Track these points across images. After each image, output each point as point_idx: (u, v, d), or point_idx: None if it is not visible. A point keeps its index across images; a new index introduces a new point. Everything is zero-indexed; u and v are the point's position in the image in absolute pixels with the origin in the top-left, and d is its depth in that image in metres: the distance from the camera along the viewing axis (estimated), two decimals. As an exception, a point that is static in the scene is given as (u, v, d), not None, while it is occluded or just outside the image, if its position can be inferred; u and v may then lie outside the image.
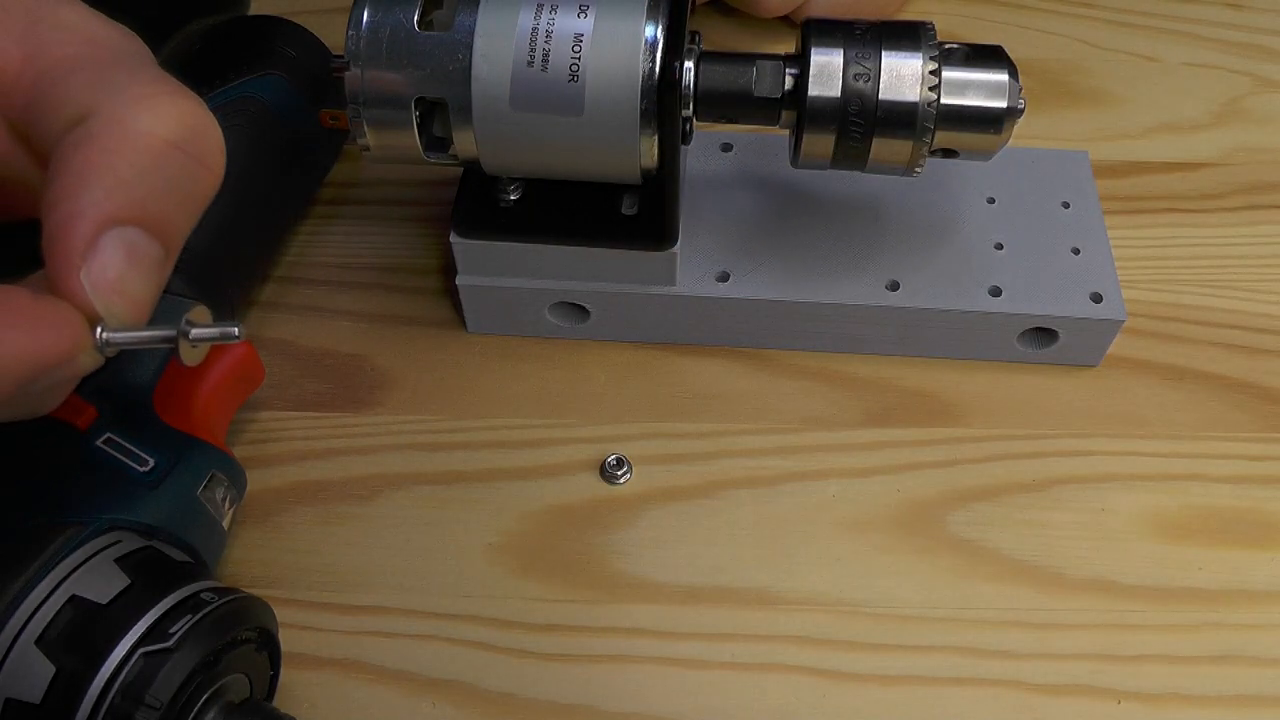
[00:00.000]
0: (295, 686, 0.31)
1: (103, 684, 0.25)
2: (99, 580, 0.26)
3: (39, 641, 0.25)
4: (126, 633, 0.25)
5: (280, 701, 0.30)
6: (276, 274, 0.39)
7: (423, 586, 0.33)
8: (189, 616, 0.26)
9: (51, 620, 0.25)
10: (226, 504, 0.31)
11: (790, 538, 0.34)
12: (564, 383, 0.37)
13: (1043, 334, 0.36)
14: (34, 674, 0.25)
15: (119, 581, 0.26)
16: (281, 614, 0.29)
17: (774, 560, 0.34)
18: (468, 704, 0.31)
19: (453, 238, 0.35)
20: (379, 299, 0.39)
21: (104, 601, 0.26)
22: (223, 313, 0.34)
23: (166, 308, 0.32)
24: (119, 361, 0.31)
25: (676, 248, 0.35)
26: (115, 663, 0.25)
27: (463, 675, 0.32)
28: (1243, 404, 0.37)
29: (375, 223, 0.41)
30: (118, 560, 0.27)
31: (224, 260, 0.35)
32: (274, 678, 0.30)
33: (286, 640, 0.30)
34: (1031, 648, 0.32)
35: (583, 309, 0.37)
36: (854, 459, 0.35)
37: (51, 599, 0.26)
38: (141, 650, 0.25)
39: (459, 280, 0.36)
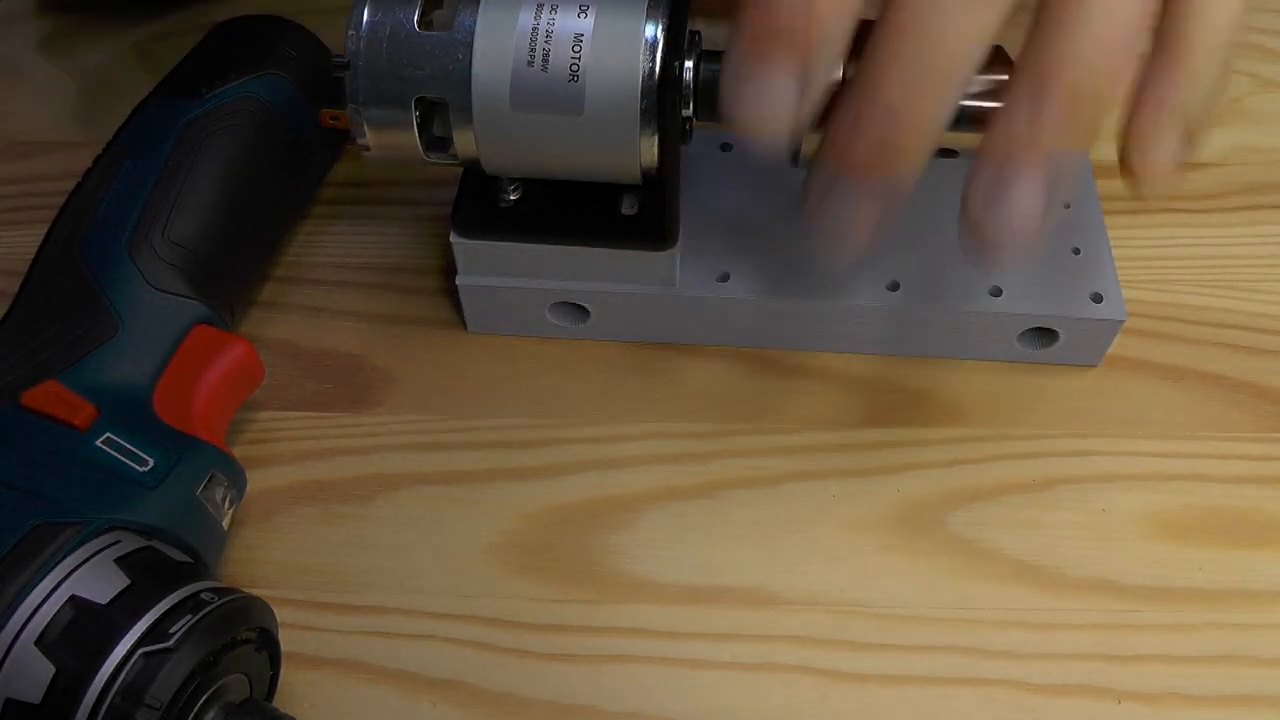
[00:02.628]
0: (295, 686, 0.31)
1: (102, 684, 0.25)
2: (99, 580, 0.26)
3: (39, 641, 0.25)
4: (126, 633, 0.25)
5: (280, 701, 0.30)
6: (276, 274, 0.39)
7: (423, 586, 0.33)
8: (189, 617, 0.26)
9: (51, 620, 0.25)
10: (226, 504, 0.31)
11: (790, 538, 0.34)
12: (564, 383, 0.37)
13: (1043, 334, 0.36)
14: (34, 674, 0.25)
15: (119, 581, 0.26)
16: (281, 614, 0.29)
17: (774, 560, 0.34)
18: (468, 704, 0.31)
19: (453, 238, 0.35)
20: (379, 299, 0.39)
21: (104, 601, 0.26)
22: (223, 313, 0.34)
23: (168, 308, 0.32)
24: (119, 361, 0.31)
25: (676, 248, 0.35)
26: (115, 663, 0.25)
27: (463, 675, 0.32)
28: (1243, 404, 0.37)
29: (375, 223, 0.41)
30: (118, 560, 0.27)
31: (224, 260, 0.35)
32: (274, 678, 0.30)
33: (286, 640, 0.30)
34: (1031, 648, 0.32)
35: (583, 309, 0.36)
36: (854, 459, 0.35)
37: (51, 599, 0.26)
38: (141, 650, 0.25)
39: (459, 280, 0.36)
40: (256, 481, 0.34)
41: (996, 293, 0.36)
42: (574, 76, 0.30)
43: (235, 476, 0.31)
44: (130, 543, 0.27)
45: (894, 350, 0.37)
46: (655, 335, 0.37)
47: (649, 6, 0.30)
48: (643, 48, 0.30)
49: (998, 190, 0.25)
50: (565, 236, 0.34)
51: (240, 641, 0.27)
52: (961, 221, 0.27)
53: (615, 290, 0.36)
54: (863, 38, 0.25)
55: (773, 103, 0.25)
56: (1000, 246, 0.26)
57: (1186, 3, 0.25)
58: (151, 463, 0.29)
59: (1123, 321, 0.35)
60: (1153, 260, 0.40)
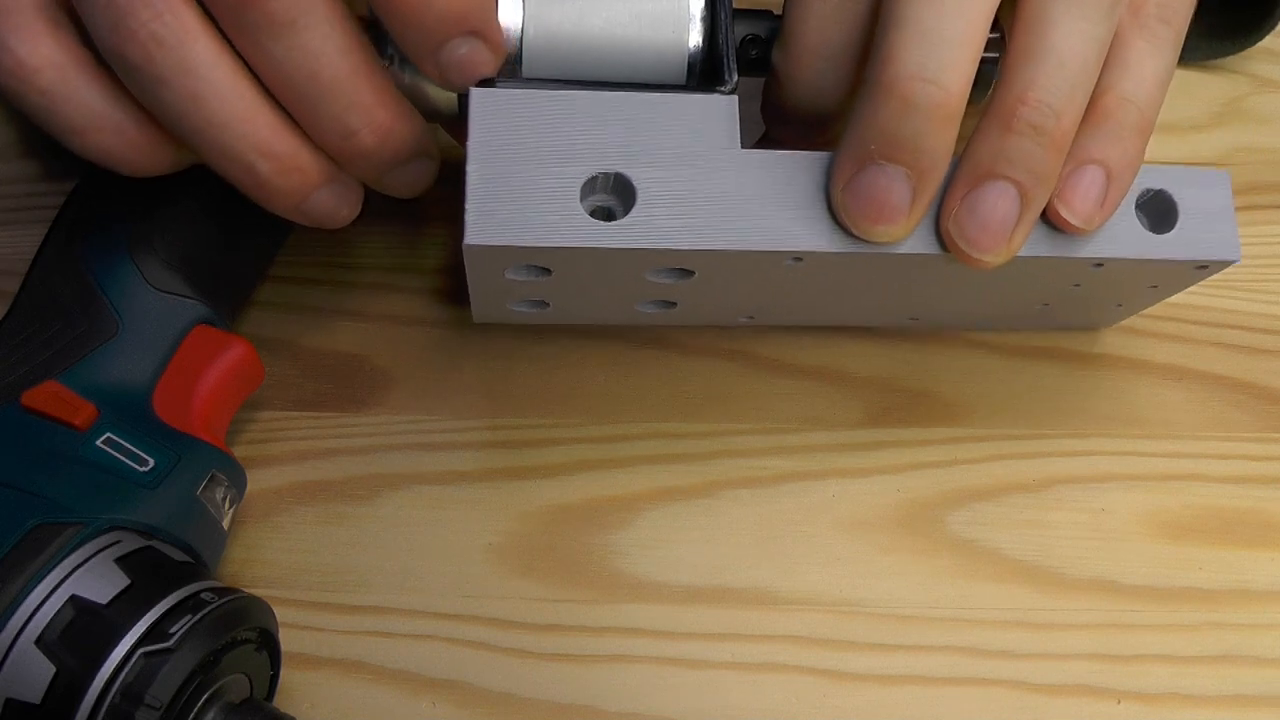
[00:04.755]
0: (295, 686, 0.31)
1: (102, 684, 0.25)
2: (99, 580, 0.26)
3: (39, 641, 0.25)
4: (126, 633, 0.25)
5: (280, 701, 0.30)
6: (276, 274, 0.39)
7: (423, 586, 0.33)
8: (189, 617, 0.26)
9: (51, 620, 0.25)
10: (226, 504, 0.31)
11: (790, 538, 0.34)
12: (564, 383, 0.37)
13: (1162, 210, 0.32)
14: (34, 674, 0.25)
15: (119, 581, 0.26)
16: (281, 614, 0.29)
17: (774, 560, 0.34)
18: (468, 704, 0.31)
19: (472, 92, 0.28)
20: (379, 299, 0.39)
21: (104, 601, 0.26)
22: (223, 313, 0.34)
23: (168, 308, 0.32)
24: (119, 361, 0.31)
25: (736, 90, 0.29)
26: (115, 663, 0.25)
27: (463, 675, 0.32)
28: (1243, 404, 0.37)
29: (375, 222, 0.40)
30: (118, 560, 0.27)
31: (224, 260, 0.35)
32: (274, 678, 0.30)
33: (286, 640, 0.30)
34: (1031, 648, 0.32)
35: (623, 199, 0.28)
36: (854, 459, 0.35)
37: (51, 599, 0.26)
38: (141, 650, 0.25)
39: (471, 151, 0.27)
40: (256, 481, 0.34)
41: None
42: None
43: (235, 476, 0.31)
44: (130, 543, 0.27)
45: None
46: (713, 235, 0.28)
47: None
48: None
49: (973, 190, 0.28)
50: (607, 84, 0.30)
51: (240, 641, 0.27)
52: (940, 220, 0.28)
53: (665, 150, 0.28)
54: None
55: (891, 203, 0.27)
56: (975, 244, 0.28)
57: (1118, 63, 0.28)
58: (151, 463, 0.29)
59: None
60: (1153, 260, 0.40)
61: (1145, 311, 0.39)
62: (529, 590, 0.33)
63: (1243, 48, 0.45)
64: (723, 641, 0.32)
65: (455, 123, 0.32)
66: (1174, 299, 0.39)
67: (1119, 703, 0.32)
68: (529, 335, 0.37)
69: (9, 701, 0.25)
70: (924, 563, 0.34)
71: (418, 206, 0.41)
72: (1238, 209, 0.42)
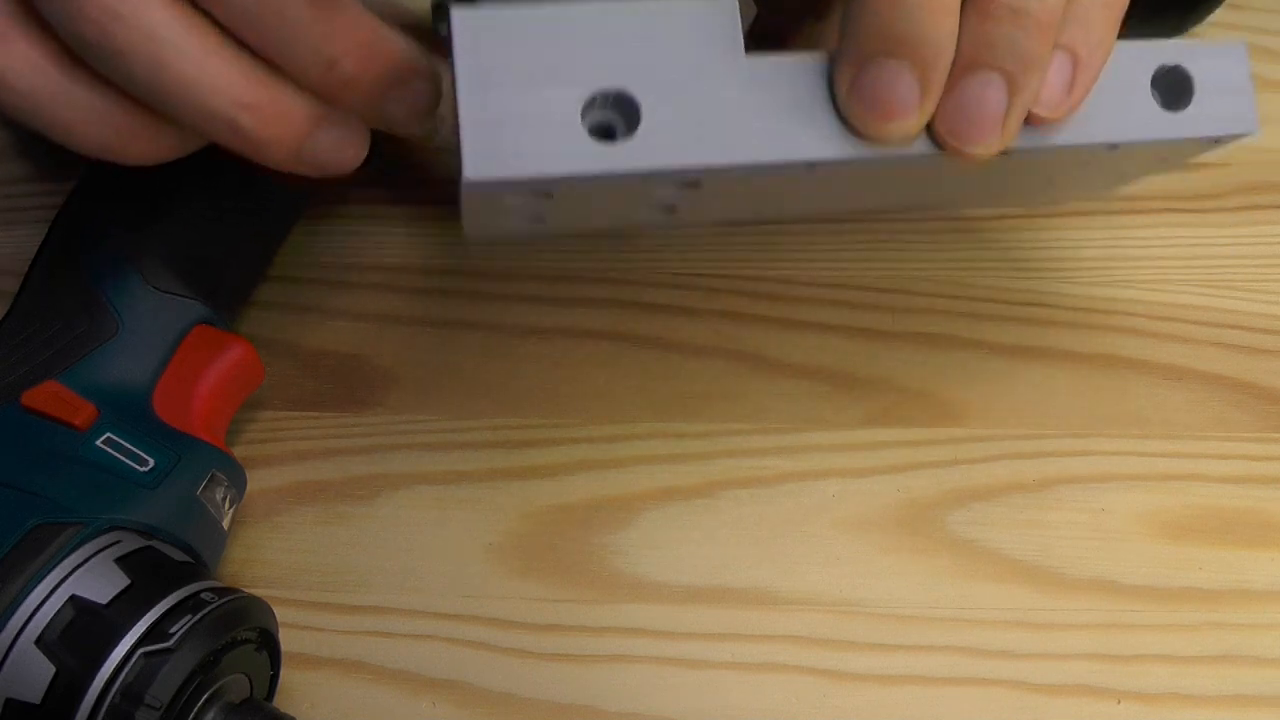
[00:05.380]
0: (295, 686, 0.31)
1: (102, 684, 0.25)
2: (99, 580, 0.26)
3: (39, 641, 0.25)
4: (126, 633, 0.25)
5: (280, 701, 0.30)
6: (276, 274, 0.39)
7: (423, 586, 0.33)
8: (189, 617, 0.26)
9: (51, 620, 0.25)
10: (226, 504, 0.31)
11: (790, 538, 0.34)
12: (564, 383, 0.37)
13: (1178, 87, 0.30)
14: (34, 674, 0.25)
15: (119, 581, 0.26)
16: (281, 614, 0.29)
17: (774, 560, 0.34)
18: (468, 704, 0.31)
19: (454, 12, 0.26)
20: (379, 299, 0.39)
21: (104, 601, 0.26)
22: (223, 313, 0.34)
23: (167, 308, 0.32)
24: (119, 361, 0.31)
25: None
26: (115, 663, 0.25)
27: (463, 675, 0.32)
28: (1243, 404, 0.37)
29: (375, 222, 0.41)
30: (118, 560, 0.27)
31: (224, 260, 0.35)
32: (274, 678, 0.30)
33: (286, 640, 0.30)
34: (1031, 648, 0.32)
35: (627, 116, 0.27)
36: (854, 459, 0.35)
37: (51, 599, 0.26)
38: (141, 650, 0.25)
39: (460, 85, 0.25)
40: (256, 481, 0.34)
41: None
42: None
43: (235, 476, 0.31)
44: (130, 543, 0.27)
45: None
46: (724, 150, 0.27)
47: None
48: None
49: (958, 82, 0.26)
50: None
51: (240, 641, 0.27)
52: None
53: (667, 63, 0.26)
54: None
55: (898, 99, 0.25)
56: (964, 138, 0.26)
57: None
58: (151, 463, 0.29)
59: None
60: (1152, 260, 0.40)
61: (1145, 312, 0.39)
62: (529, 590, 0.33)
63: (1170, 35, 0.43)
64: (723, 641, 0.32)
65: (432, 35, 0.31)
66: (1174, 299, 0.39)
67: (1119, 703, 0.32)
68: (529, 335, 0.37)
69: (9, 701, 0.25)
70: (924, 563, 0.34)
71: (417, 205, 0.41)
72: (1237, 209, 0.42)
